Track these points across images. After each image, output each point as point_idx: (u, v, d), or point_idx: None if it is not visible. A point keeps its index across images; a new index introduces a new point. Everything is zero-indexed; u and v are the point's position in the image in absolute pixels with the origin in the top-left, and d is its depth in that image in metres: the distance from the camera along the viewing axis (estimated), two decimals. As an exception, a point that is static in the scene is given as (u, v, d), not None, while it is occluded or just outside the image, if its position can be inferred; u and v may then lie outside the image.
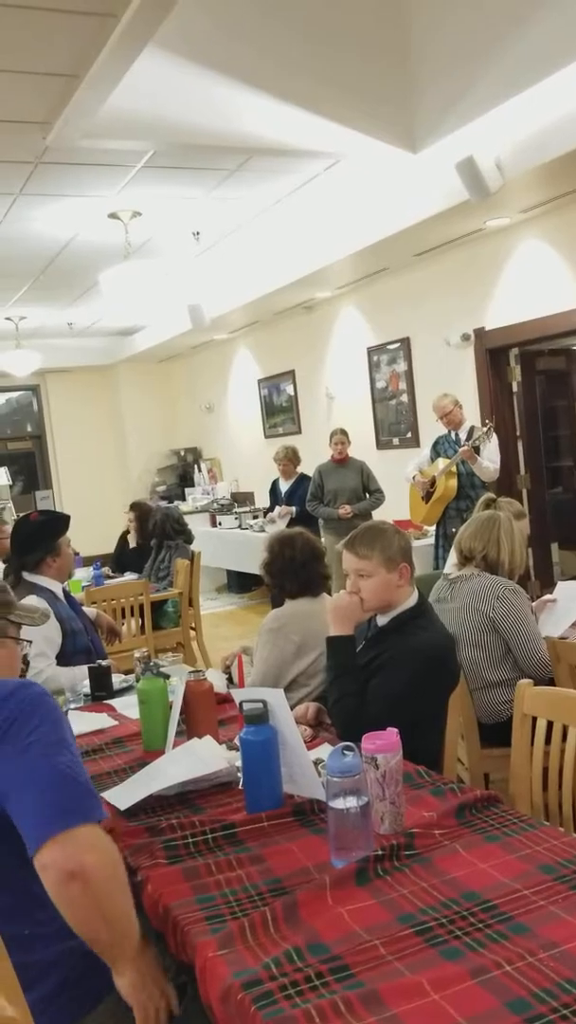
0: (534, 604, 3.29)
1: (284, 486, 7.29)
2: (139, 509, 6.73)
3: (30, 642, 2.06)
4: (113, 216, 5.75)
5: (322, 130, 4.54)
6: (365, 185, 5.60)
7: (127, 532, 6.84)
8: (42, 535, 3.48)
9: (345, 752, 1.66)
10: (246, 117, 4.37)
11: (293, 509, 6.97)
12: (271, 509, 7.37)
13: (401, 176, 5.33)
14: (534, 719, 2.26)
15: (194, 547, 6.46)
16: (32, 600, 3.29)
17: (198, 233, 6.40)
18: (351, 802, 1.64)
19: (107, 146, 4.38)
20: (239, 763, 2.08)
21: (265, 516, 7.59)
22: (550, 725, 2.22)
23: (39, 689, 1.64)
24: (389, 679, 2.30)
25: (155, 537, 6.34)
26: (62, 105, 3.91)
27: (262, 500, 9.02)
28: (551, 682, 2.87)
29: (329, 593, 3.14)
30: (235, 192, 5.59)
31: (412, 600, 2.42)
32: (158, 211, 5.80)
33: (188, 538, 6.41)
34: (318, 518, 6.78)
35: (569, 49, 3.92)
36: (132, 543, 6.68)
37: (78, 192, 5.28)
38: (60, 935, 1.59)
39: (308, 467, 7.12)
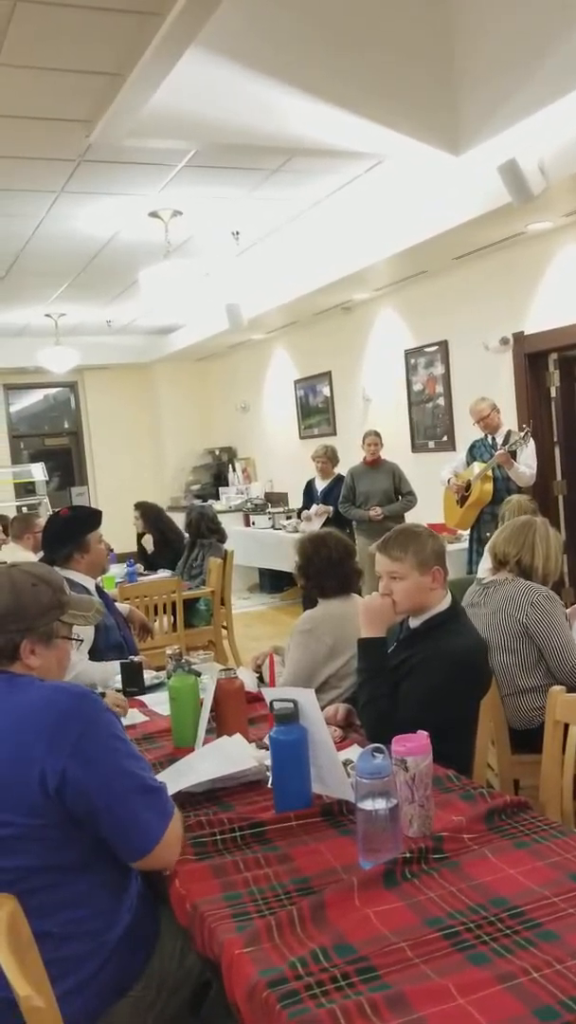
0: (569, 611, 3.25)
1: (320, 485, 7.28)
2: (144, 509, 6.78)
3: (81, 640, 2.09)
4: (154, 215, 5.79)
5: (364, 131, 4.53)
6: (406, 187, 5.58)
7: (142, 535, 6.86)
8: (70, 531, 3.49)
9: (375, 754, 1.66)
10: (288, 118, 4.37)
11: (330, 508, 6.95)
12: (306, 507, 7.35)
13: (443, 178, 5.30)
14: (566, 726, 2.24)
15: (227, 546, 6.48)
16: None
17: (238, 233, 6.42)
18: (380, 804, 1.64)
19: (149, 145, 4.41)
20: (268, 762, 2.08)
21: (300, 515, 7.57)
22: (583, 733, 2.20)
23: (91, 696, 1.69)
24: (420, 682, 2.29)
25: (189, 535, 6.38)
26: (105, 104, 3.95)
27: (296, 501, 9.01)
28: (585, 690, 2.84)
29: (360, 593, 3.13)
30: (276, 192, 5.60)
31: (445, 604, 2.41)
32: (198, 210, 5.83)
33: (222, 537, 6.44)
34: (351, 520, 6.76)
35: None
36: (149, 547, 6.68)
37: (119, 191, 5.33)
38: (90, 933, 1.62)
39: (345, 468, 7.11)
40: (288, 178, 5.33)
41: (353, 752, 2.22)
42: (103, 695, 2.78)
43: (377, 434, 6.81)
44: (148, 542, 6.71)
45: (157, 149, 4.54)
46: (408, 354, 7.64)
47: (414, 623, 2.45)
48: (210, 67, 4.12)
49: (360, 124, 4.51)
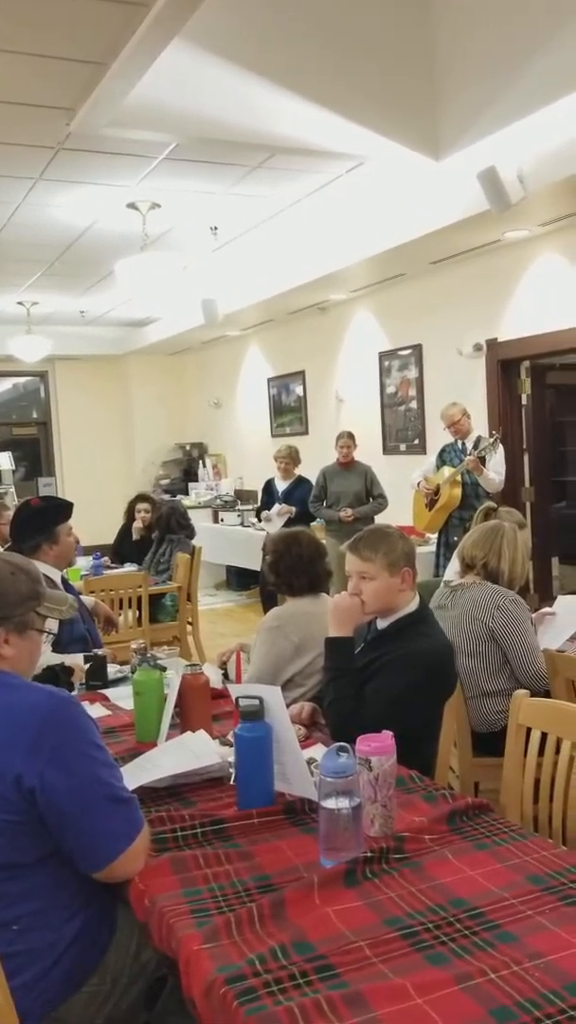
0: (534, 616, 3.28)
1: (281, 486, 7.23)
2: (152, 501, 6.71)
3: (54, 634, 2.07)
4: (132, 206, 5.75)
5: (345, 132, 4.54)
6: (386, 190, 5.60)
7: (129, 523, 6.80)
8: (40, 521, 3.45)
9: (340, 753, 1.66)
10: (270, 115, 4.37)
11: (293, 509, 6.92)
12: (264, 507, 7.30)
13: (422, 183, 5.33)
14: (528, 730, 2.26)
15: (195, 542, 6.45)
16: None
17: (216, 228, 6.40)
18: (343, 803, 1.64)
19: (130, 136, 4.38)
20: (231, 758, 2.07)
21: (257, 516, 7.52)
22: (544, 737, 2.22)
23: (72, 702, 1.67)
24: (386, 683, 2.30)
25: (158, 530, 6.34)
26: (87, 92, 3.91)
27: (264, 499, 9.01)
28: (547, 694, 2.86)
29: (328, 593, 3.14)
30: (255, 189, 5.59)
31: (413, 605, 2.42)
32: (177, 204, 5.80)
33: (190, 533, 6.41)
34: (316, 520, 6.76)
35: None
36: (136, 535, 6.63)
37: (98, 180, 5.28)
38: (48, 927, 1.61)
39: (309, 470, 7.09)
40: (268, 175, 5.32)
41: (317, 751, 2.22)
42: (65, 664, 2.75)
43: (351, 435, 6.82)
44: (137, 531, 6.63)
45: (138, 140, 4.51)
46: (382, 356, 7.67)
47: (382, 624, 2.45)
48: (194, 61, 4.10)
49: (342, 125, 4.52)
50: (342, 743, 1.68)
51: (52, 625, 3.24)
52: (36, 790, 1.55)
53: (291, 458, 7.14)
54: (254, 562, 8.19)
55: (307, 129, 4.48)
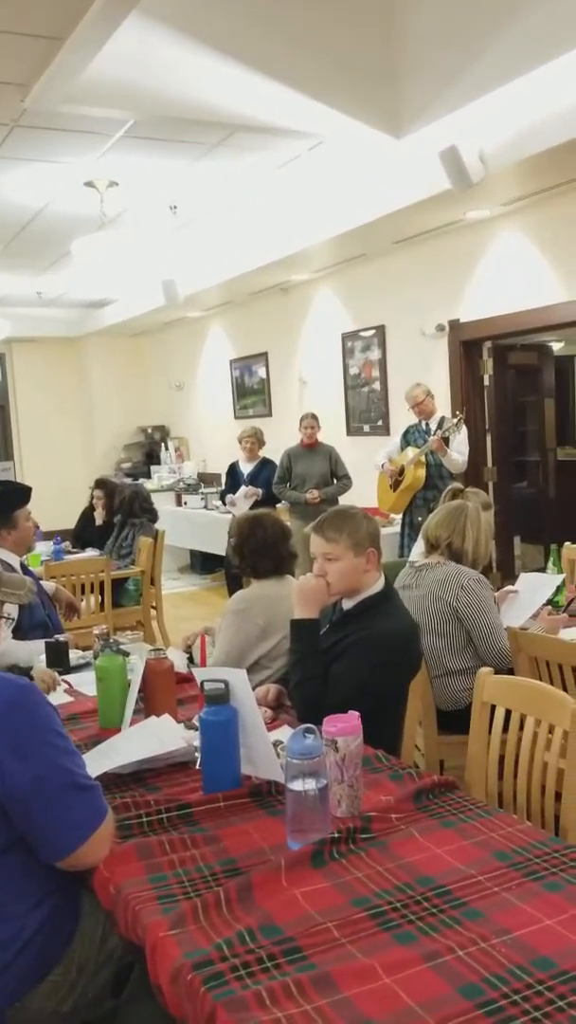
0: (496, 594, 3.30)
1: (246, 468, 7.19)
2: (107, 487, 6.62)
3: (12, 619, 2.04)
4: (89, 185, 5.65)
5: (306, 109, 4.49)
6: (347, 169, 5.56)
7: (91, 508, 6.73)
8: None
9: (306, 734, 1.65)
10: (230, 92, 4.30)
11: (259, 491, 6.89)
12: (229, 491, 7.26)
13: (383, 162, 5.29)
14: (493, 707, 2.27)
15: (158, 526, 6.40)
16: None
17: (175, 207, 6.32)
18: (310, 784, 1.63)
19: (87, 112, 4.29)
20: (197, 743, 2.06)
21: (222, 499, 7.47)
22: (508, 714, 2.23)
23: (32, 689, 1.64)
24: (352, 664, 2.29)
25: (121, 514, 6.27)
26: (43, 67, 3.81)
27: (227, 481, 8.97)
28: (511, 672, 2.88)
29: (293, 575, 3.12)
30: (215, 168, 5.52)
31: (378, 586, 2.41)
32: (135, 182, 5.71)
33: (153, 517, 6.35)
34: (280, 502, 6.74)
35: (558, 42, 3.91)
36: (99, 520, 6.55)
37: (54, 158, 5.18)
38: (11, 917, 1.58)
39: (272, 452, 7.06)
40: (228, 154, 5.26)
41: (283, 733, 2.22)
42: (30, 669, 2.72)
43: (315, 417, 6.80)
44: (99, 516, 6.55)
45: (95, 117, 4.42)
46: (345, 337, 7.65)
47: (347, 605, 2.45)
48: (152, 36, 4.02)
49: (302, 102, 4.46)
50: (308, 725, 1.67)
51: (11, 610, 3.19)
52: None
53: (256, 439, 7.10)
54: (218, 546, 8.15)
55: (267, 107, 4.42)
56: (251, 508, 6.50)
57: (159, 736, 2.14)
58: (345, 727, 1.76)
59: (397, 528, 6.17)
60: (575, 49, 3.89)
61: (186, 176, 5.65)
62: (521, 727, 2.17)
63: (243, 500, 6.89)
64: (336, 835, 1.64)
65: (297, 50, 4.39)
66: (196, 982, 1.27)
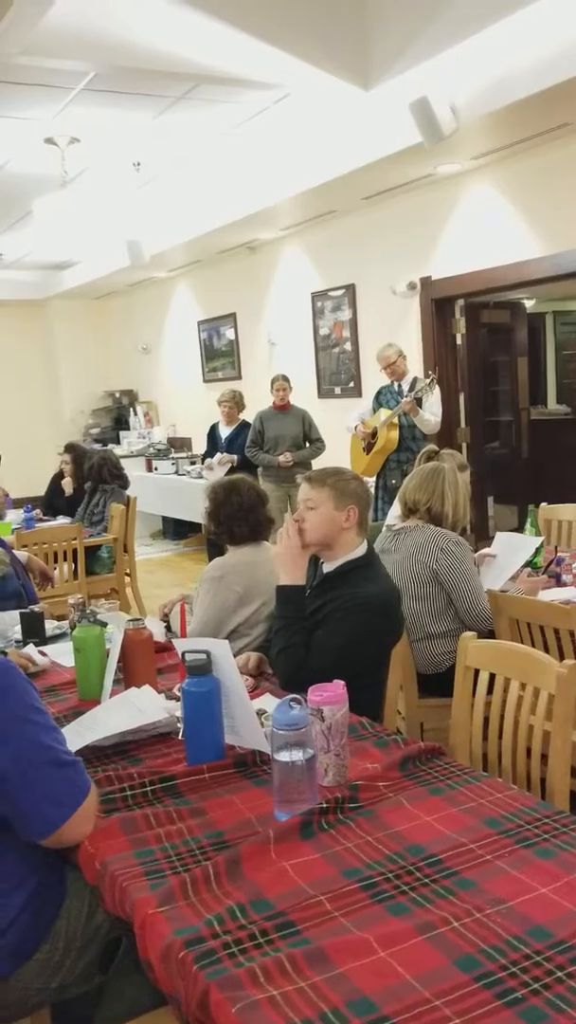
0: (475, 556, 3.28)
1: (224, 432, 7.13)
2: (75, 451, 6.51)
3: None
4: (49, 141, 5.47)
5: (272, 59, 4.36)
6: (314, 122, 5.42)
7: (60, 475, 6.62)
8: None
9: (292, 704, 1.61)
10: (194, 42, 4.16)
11: (235, 457, 6.83)
12: (209, 455, 7.21)
13: (352, 114, 5.17)
14: (476, 671, 2.26)
15: (129, 492, 6.32)
16: None
17: (139, 164, 6.15)
18: (296, 755, 1.60)
19: (45, 64, 4.13)
20: (179, 713, 2.02)
21: (203, 462, 7.40)
22: (492, 678, 2.22)
23: (8, 666, 1.59)
24: (334, 630, 2.26)
25: (91, 480, 6.18)
26: (-2, 17, 3.66)
27: (199, 446, 8.86)
28: (491, 634, 2.88)
29: (267, 539, 3.08)
30: (179, 121, 5.36)
31: (360, 551, 2.38)
32: (98, 139, 5.54)
33: (124, 483, 6.27)
34: (256, 467, 6.68)
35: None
36: (68, 489, 6.44)
37: (12, 114, 5.00)
38: None
39: (250, 414, 6.99)
40: (193, 107, 5.10)
41: (266, 701, 2.19)
42: (5, 654, 2.66)
43: (286, 378, 6.72)
44: (68, 485, 6.44)
45: (53, 69, 4.25)
46: (315, 297, 7.54)
47: (328, 568, 2.42)
48: (111, -18, 3.87)
49: (268, 51, 4.33)
50: (294, 695, 1.64)
51: None
52: None
53: (234, 402, 7.03)
54: (190, 511, 8.10)
55: (232, 57, 4.29)
56: (227, 474, 6.45)
57: (140, 707, 2.11)
58: (330, 696, 1.73)
59: (371, 491, 6.14)
60: (545, -2, 3.81)
61: (149, 131, 5.49)
62: (505, 690, 2.16)
63: (218, 466, 6.83)
64: (324, 805, 1.62)
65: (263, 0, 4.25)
66: (188, 960, 1.25)
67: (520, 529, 5.02)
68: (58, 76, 4.42)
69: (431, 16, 4.25)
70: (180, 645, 1.97)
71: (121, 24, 3.98)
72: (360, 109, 5.00)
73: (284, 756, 1.60)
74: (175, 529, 9.38)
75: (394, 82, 4.60)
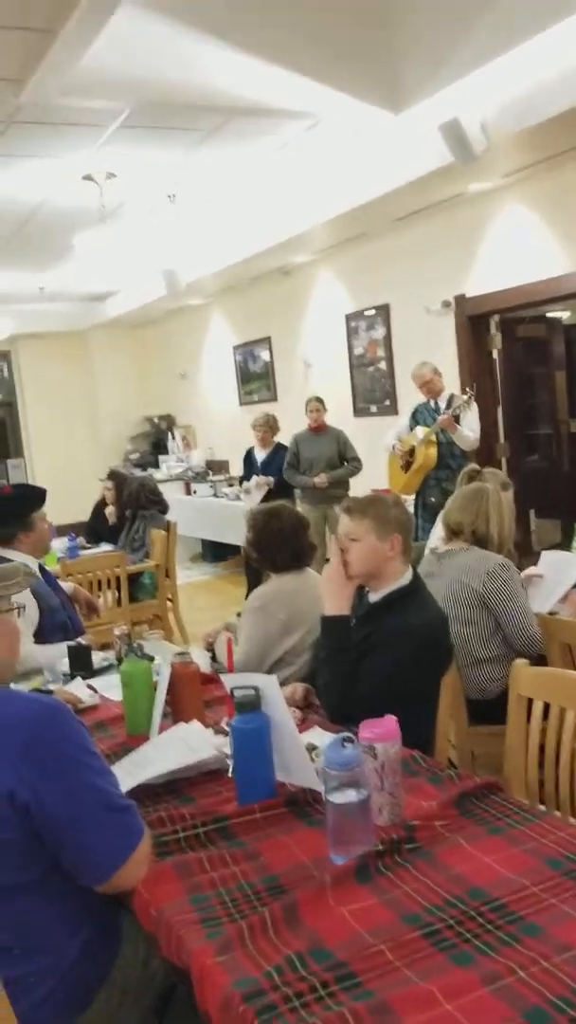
0: (521, 576, 3.23)
1: (260, 455, 7.13)
2: (117, 478, 6.56)
3: (23, 607, 1.98)
4: (88, 178, 5.56)
5: (302, 89, 4.39)
6: (345, 147, 5.44)
7: (103, 502, 6.67)
8: (14, 510, 3.36)
9: (344, 743, 1.59)
10: (225, 76, 4.21)
11: (271, 480, 6.82)
12: (246, 478, 7.22)
13: (382, 138, 5.18)
14: (530, 700, 2.21)
15: (169, 517, 6.35)
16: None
17: (174, 196, 6.21)
18: (351, 796, 1.58)
19: (82, 105, 4.22)
20: (228, 749, 2.01)
21: (240, 485, 7.41)
22: (546, 707, 2.17)
23: (61, 708, 1.59)
24: (382, 660, 2.24)
25: (130, 507, 6.22)
26: (36, 62, 3.74)
27: (237, 468, 8.88)
28: (542, 658, 2.83)
29: (309, 564, 3.06)
30: (212, 154, 5.41)
31: (406, 578, 2.35)
32: (134, 173, 5.61)
33: (163, 508, 6.30)
34: (293, 489, 6.68)
35: (556, 9, 3.80)
36: (112, 518, 6.47)
37: (52, 153, 5.09)
38: (51, 947, 1.54)
39: (285, 437, 6.99)
40: (225, 139, 5.15)
41: (315, 734, 2.17)
42: (51, 692, 2.67)
43: (320, 400, 6.72)
44: (111, 513, 6.48)
45: (90, 109, 4.34)
46: (349, 318, 7.54)
47: (374, 597, 2.39)
48: (144, 24, 3.91)
49: (298, 81, 4.36)
50: (346, 734, 1.62)
51: (20, 598, 3.11)
52: (31, 805, 1.47)
53: (268, 426, 7.03)
54: (229, 534, 8.10)
55: (262, 88, 4.33)
56: (264, 497, 6.45)
57: (190, 743, 2.10)
58: (383, 732, 1.70)
59: (410, 509, 6.09)
60: (573, 15, 3.78)
61: (184, 164, 5.55)
62: (560, 720, 2.11)
63: (255, 490, 6.83)
64: (380, 847, 1.59)
65: (291, 29, 4.27)
66: (249, 1015, 1.23)
67: (564, 544, 4.94)
68: (94, 115, 4.50)
69: (459, 38, 4.24)
70: (228, 681, 1.96)
71: (154, 62, 4.04)
72: (390, 132, 5.01)
73: (338, 797, 1.58)
74: (214, 552, 9.40)
75: (424, 104, 4.60)
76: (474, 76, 4.33)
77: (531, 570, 3.43)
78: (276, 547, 2.97)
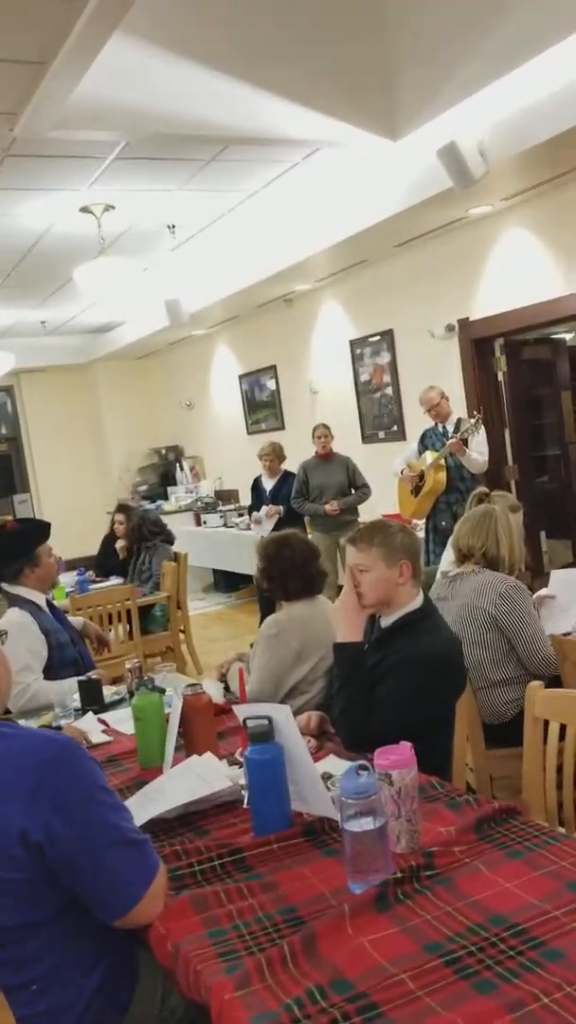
0: (533, 597, 3.21)
1: (268, 484, 7.13)
2: (127, 511, 6.56)
3: (5, 633, 1.97)
4: (85, 210, 5.61)
5: (299, 118, 4.43)
6: (344, 175, 5.49)
7: (112, 536, 6.67)
8: (19, 545, 3.35)
9: (359, 771, 1.57)
10: (221, 105, 4.25)
11: (281, 509, 6.81)
12: (254, 508, 7.21)
13: (381, 165, 5.23)
14: (546, 722, 2.18)
15: (179, 547, 6.34)
16: (11, 615, 3.22)
17: (174, 226, 6.27)
18: (367, 824, 1.55)
19: (78, 137, 4.25)
20: (242, 780, 1.98)
21: (250, 515, 7.40)
22: (563, 728, 2.14)
23: (72, 745, 1.57)
24: (395, 686, 2.21)
25: (132, 541, 6.21)
26: (29, 94, 3.77)
27: (246, 497, 8.88)
28: (556, 680, 2.80)
29: (321, 592, 3.05)
30: (211, 184, 5.46)
31: (417, 602, 2.33)
32: (132, 204, 5.67)
33: (168, 538, 6.29)
34: (304, 517, 6.66)
35: (550, 31, 3.83)
36: (122, 552, 6.45)
37: (48, 186, 5.14)
38: (68, 983, 1.52)
39: (292, 464, 6.99)
40: (223, 168, 5.20)
41: (330, 763, 2.14)
42: (60, 728, 2.66)
43: (327, 427, 6.72)
44: (122, 549, 6.47)
45: (86, 141, 4.38)
46: (353, 344, 7.58)
47: (385, 622, 2.37)
48: (138, 54, 3.97)
49: (294, 111, 4.40)
50: (362, 762, 1.59)
51: (11, 650, 3.09)
52: (44, 844, 1.45)
53: (275, 454, 7.03)
54: (240, 563, 8.09)
55: (259, 117, 4.37)
56: (275, 526, 6.44)
57: (203, 776, 2.07)
58: (398, 759, 1.68)
59: (421, 534, 6.08)
60: (567, 37, 3.82)
61: (182, 194, 5.61)
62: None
63: (266, 519, 6.82)
64: (399, 875, 1.56)
65: (288, 59, 4.33)
66: (269, 1051, 1.20)
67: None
68: (91, 147, 4.55)
69: (455, 63, 4.29)
70: (241, 712, 1.94)
71: (150, 93, 4.08)
72: (389, 159, 5.05)
73: (355, 826, 1.55)
74: (226, 582, 9.38)
75: (422, 130, 4.64)
76: (471, 101, 4.37)
77: (542, 592, 3.41)
78: (287, 575, 2.95)
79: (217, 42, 4.08)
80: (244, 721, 1.85)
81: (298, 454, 7.05)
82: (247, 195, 5.80)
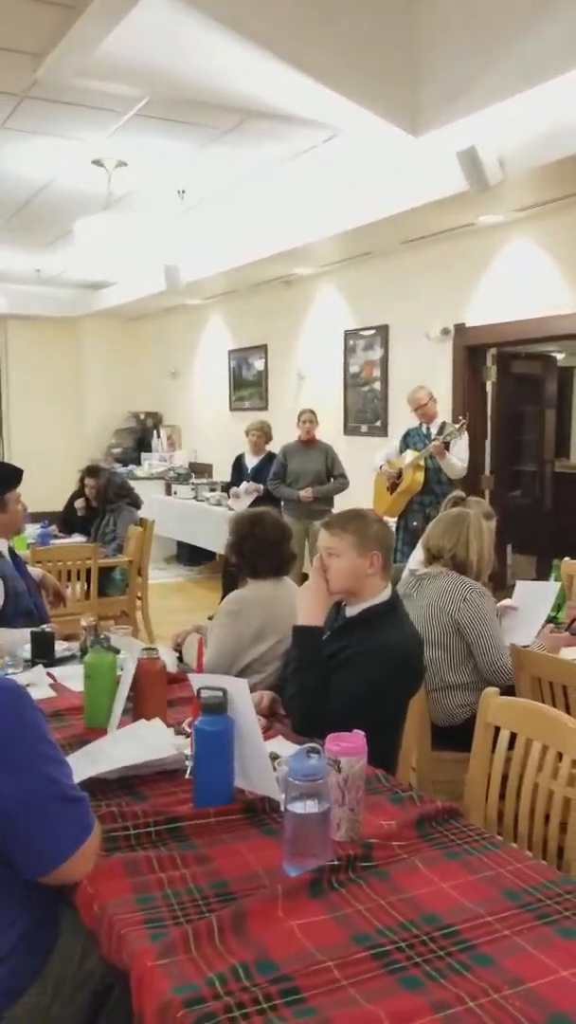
0: (497, 606, 3.21)
1: (251, 462, 7.09)
2: (97, 474, 6.47)
3: None
4: (97, 163, 5.52)
5: (322, 99, 4.38)
6: (361, 164, 5.45)
7: (78, 492, 6.58)
8: None
9: (310, 754, 1.55)
10: (247, 77, 4.19)
11: (261, 487, 6.79)
12: (235, 484, 7.17)
13: (399, 159, 5.19)
14: (496, 729, 2.18)
15: (146, 515, 6.29)
16: None
17: (183, 191, 6.19)
18: (311, 806, 1.54)
19: (100, 88, 4.18)
20: (188, 750, 1.96)
21: (228, 491, 7.36)
22: (513, 737, 2.14)
23: (18, 692, 1.54)
24: (352, 676, 2.20)
25: (98, 501, 6.16)
26: (57, 37, 3.70)
27: (221, 473, 8.84)
28: (511, 690, 2.80)
29: (288, 574, 3.03)
30: (226, 153, 5.39)
31: (384, 596, 2.32)
32: (145, 163, 5.58)
33: (134, 502, 6.23)
34: (279, 499, 6.64)
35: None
36: (80, 511, 6.38)
37: (63, 133, 5.04)
38: None
39: (276, 446, 6.96)
40: (241, 140, 5.14)
41: (278, 744, 2.13)
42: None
43: (313, 412, 6.70)
44: (81, 507, 6.39)
45: (107, 93, 4.30)
46: (347, 335, 7.55)
47: (351, 612, 2.36)
48: (171, 14, 3.88)
49: (319, 91, 4.34)
50: (313, 744, 1.58)
51: None
52: None
53: (262, 432, 7.00)
54: (207, 539, 8.04)
55: (283, 93, 4.32)
56: (252, 504, 6.41)
57: (148, 741, 2.05)
58: (349, 747, 1.66)
59: (393, 532, 6.08)
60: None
61: (196, 160, 5.53)
62: (526, 752, 2.08)
63: (244, 495, 6.80)
64: (336, 862, 1.55)
65: (318, 39, 4.26)
66: (187, 1022, 1.18)
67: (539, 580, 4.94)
68: (111, 100, 4.46)
69: (483, 68, 4.25)
70: (196, 681, 1.91)
71: (177, 54, 4.01)
72: (408, 154, 5.01)
73: (298, 807, 1.54)
74: (190, 555, 9.33)
75: (443, 130, 4.60)
76: (496, 108, 4.34)
77: (505, 602, 3.42)
78: (257, 553, 2.93)
79: (248, 14, 4.01)
80: (198, 691, 1.83)
81: (277, 437, 7.02)
82: (261, 170, 5.73)
